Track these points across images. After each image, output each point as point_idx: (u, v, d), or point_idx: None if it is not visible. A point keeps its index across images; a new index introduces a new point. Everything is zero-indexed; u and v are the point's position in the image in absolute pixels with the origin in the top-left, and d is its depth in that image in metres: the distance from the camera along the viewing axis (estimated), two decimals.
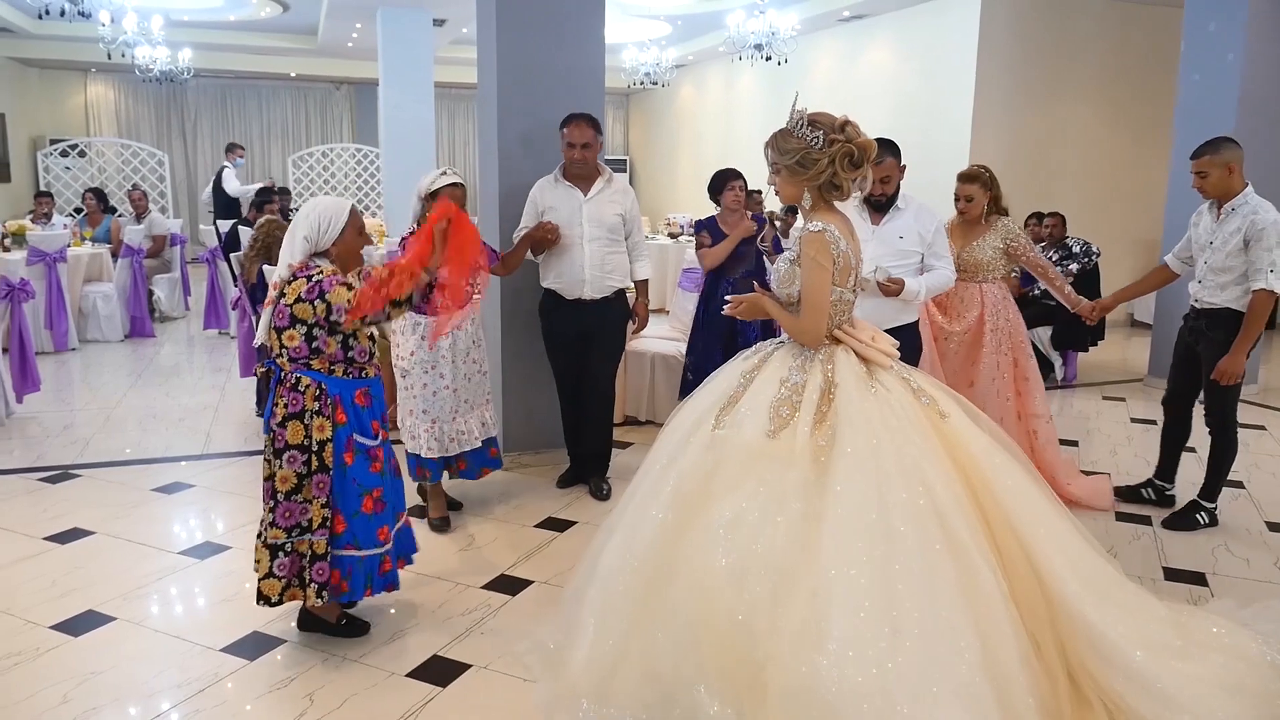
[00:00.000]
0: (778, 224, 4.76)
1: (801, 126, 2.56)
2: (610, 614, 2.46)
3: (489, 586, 3.42)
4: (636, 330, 4.45)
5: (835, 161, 2.54)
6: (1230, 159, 3.87)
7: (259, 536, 2.84)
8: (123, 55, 9.34)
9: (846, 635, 2.16)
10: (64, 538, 3.80)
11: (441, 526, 3.92)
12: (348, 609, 3.05)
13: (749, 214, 4.83)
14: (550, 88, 4.54)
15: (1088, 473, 4.67)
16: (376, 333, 3.63)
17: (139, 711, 2.61)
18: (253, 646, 2.94)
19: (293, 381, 2.76)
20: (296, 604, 2.95)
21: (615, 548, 2.55)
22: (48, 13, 6.46)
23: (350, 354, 2.81)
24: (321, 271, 2.77)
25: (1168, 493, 4.32)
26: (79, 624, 3.08)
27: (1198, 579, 3.58)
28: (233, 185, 7.46)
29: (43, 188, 12.41)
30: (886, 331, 3.50)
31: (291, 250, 2.80)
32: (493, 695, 2.71)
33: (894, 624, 2.17)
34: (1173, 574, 3.62)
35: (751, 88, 12.36)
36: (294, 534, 2.79)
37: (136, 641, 3.00)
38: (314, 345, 2.76)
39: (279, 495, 2.78)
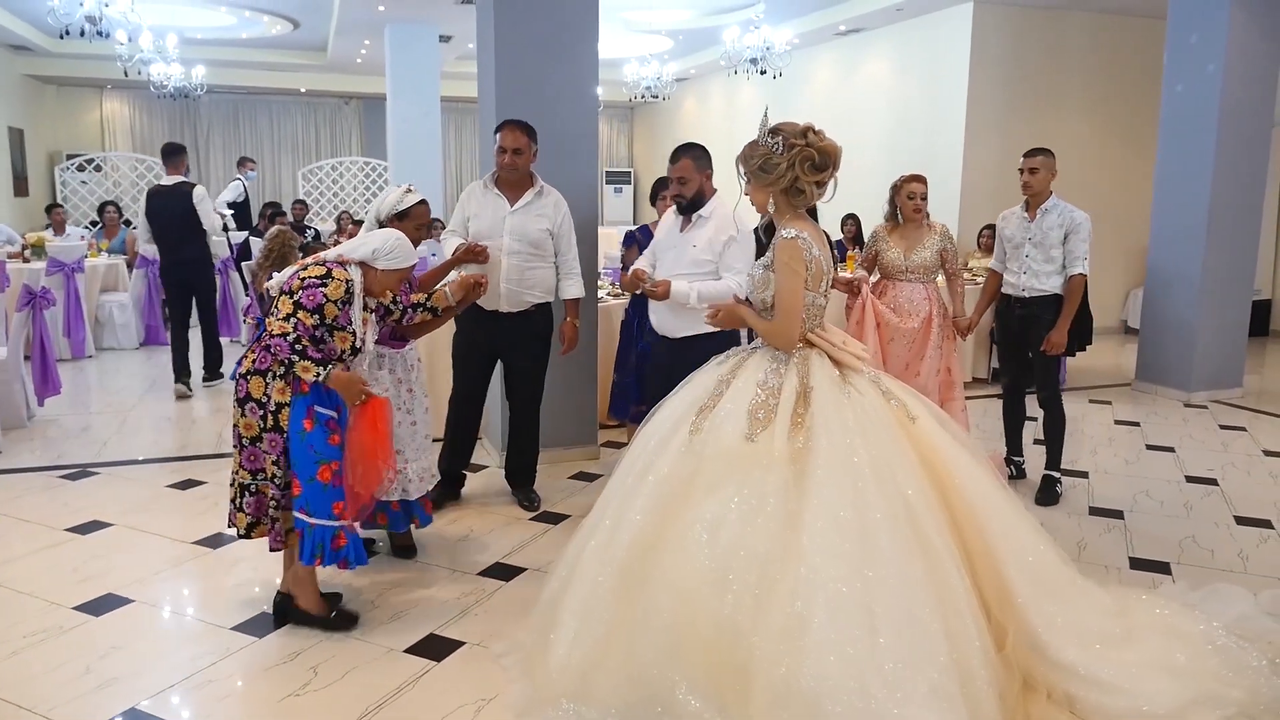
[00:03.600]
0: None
1: (765, 135, 2.71)
2: (590, 615, 2.54)
3: (485, 573, 3.61)
4: (565, 352, 4.29)
5: (795, 165, 2.66)
6: (1054, 165, 4.44)
7: (234, 473, 3.06)
8: (138, 72, 9.63)
9: (827, 634, 2.23)
10: (84, 529, 4.00)
11: (408, 552, 3.74)
12: (335, 602, 3.18)
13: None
14: (547, 102, 4.74)
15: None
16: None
17: (156, 681, 2.80)
18: (261, 625, 3.14)
19: (267, 342, 2.91)
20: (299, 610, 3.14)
21: (594, 550, 2.63)
22: (68, 33, 6.72)
23: (321, 346, 2.94)
24: (330, 282, 2.91)
25: (1021, 464, 4.84)
26: (99, 605, 3.29)
27: (1162, 568, 3.74)
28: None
29: (59, 201, 12.73)
30: (675, 341, 3.75)
31: (355, 246, 3.04)
32: (483, 670, 2.88)
33: (871, 623, 2.25)
34: (1138, 563, 3.79)
35: (752, 100, 12.58)
36: (258, 477, 3.01)
37: (153, 621, 3.20)
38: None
39: (244, 441, 2.99)
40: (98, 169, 13.65)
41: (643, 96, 11.50)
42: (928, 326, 4.53)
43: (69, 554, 3.75)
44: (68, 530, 3.99)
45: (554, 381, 4.58)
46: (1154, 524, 4.23)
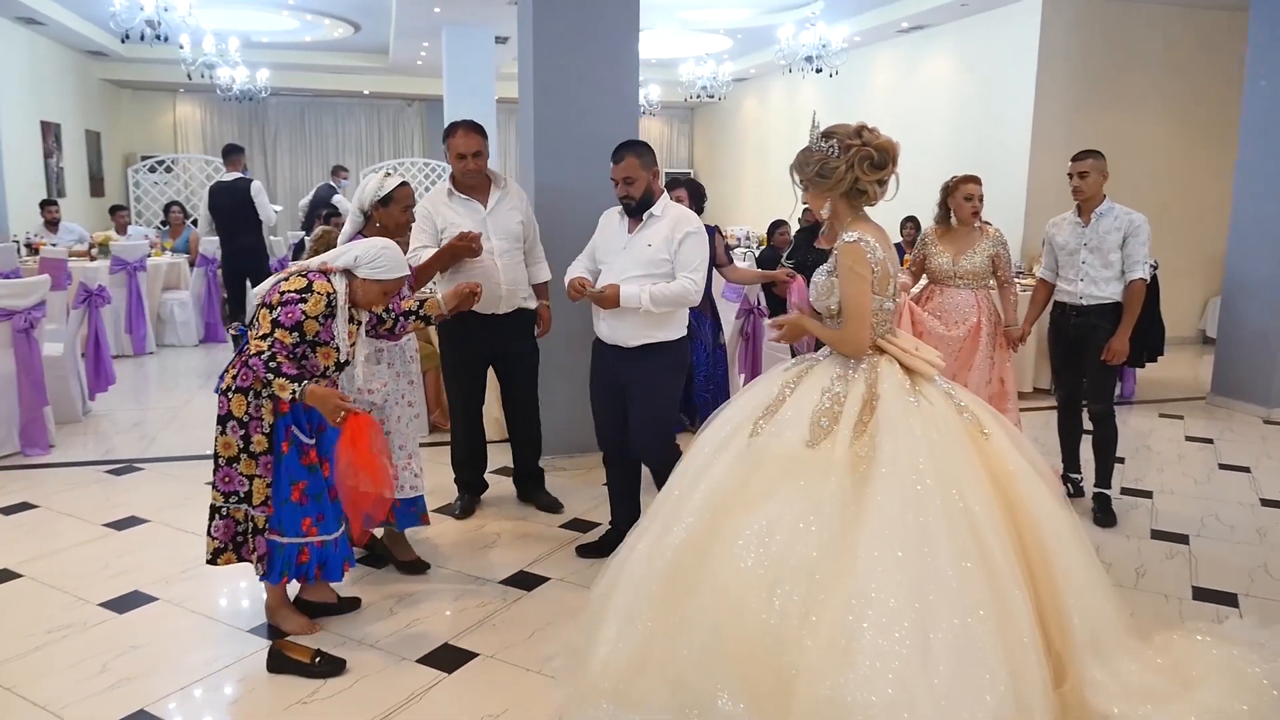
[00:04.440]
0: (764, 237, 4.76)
1: (818, 140, 2.61)
2: (635, 616, 2.47)
3: (507, 581, 3.53)
4: (541, 334, 4.20)
5: (854, 166, 2.56)
6: (1104, 166, 4.21)
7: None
8: (202, 76, 9.86)
9: (877, 650, 2.11)
10: (121, 525, 4.05)
11: (418, 567, 3.58)
12: (353, 605, 3.15)
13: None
14: (585, 102, 4.66)
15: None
16: (417, 338, 3.76)
17: (169, 682, 2.79)
18: (276, 629, 3.10)
19: (247, 358, 2.84)
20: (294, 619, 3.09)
21: (643, 551, 2.56)
22: (128, 37, 6.91)
23: (303, 363, 2.89)
24: (309, 297, 2.81)
25: (1079, 481, 4.56)
26: (124, 602, 3.31)
27: (1229, 600, 3.48)
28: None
29: (132, 202, 13.15)
30: (628, 351, 3.51)
31: (338, 254, 2.95)
32: (495, 683, 2.81)
33: (926, 642, 2.13)
34: (1202, 594, 3.52)
35: (812, 101, 12.34)
36: (230, 500, 2.94)
37: (174, 620, 3.20)
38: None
39: (220, 460, 2.92)
40: (168, 170, 14.07)
41: (699, 96, 11.38)
42: (975, 334, 4.34)
43: (103, 549, 3.79)
44: (105, 525, 4.05)
45: (587, 387, 4.51)
46: (1222, 550, 3.94)
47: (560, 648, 2.89)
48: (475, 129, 3.88)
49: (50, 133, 11.17)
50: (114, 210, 10.17)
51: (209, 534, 2.99)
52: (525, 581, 3.54)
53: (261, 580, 3.02)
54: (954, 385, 2.69)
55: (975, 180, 4.43)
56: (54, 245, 8.47)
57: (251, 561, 2.99)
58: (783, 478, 2.40)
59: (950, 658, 2.11)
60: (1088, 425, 4.45)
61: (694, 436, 2.78)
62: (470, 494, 4.29)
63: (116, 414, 6.01)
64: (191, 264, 9.05)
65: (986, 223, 4.54)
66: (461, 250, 3.75)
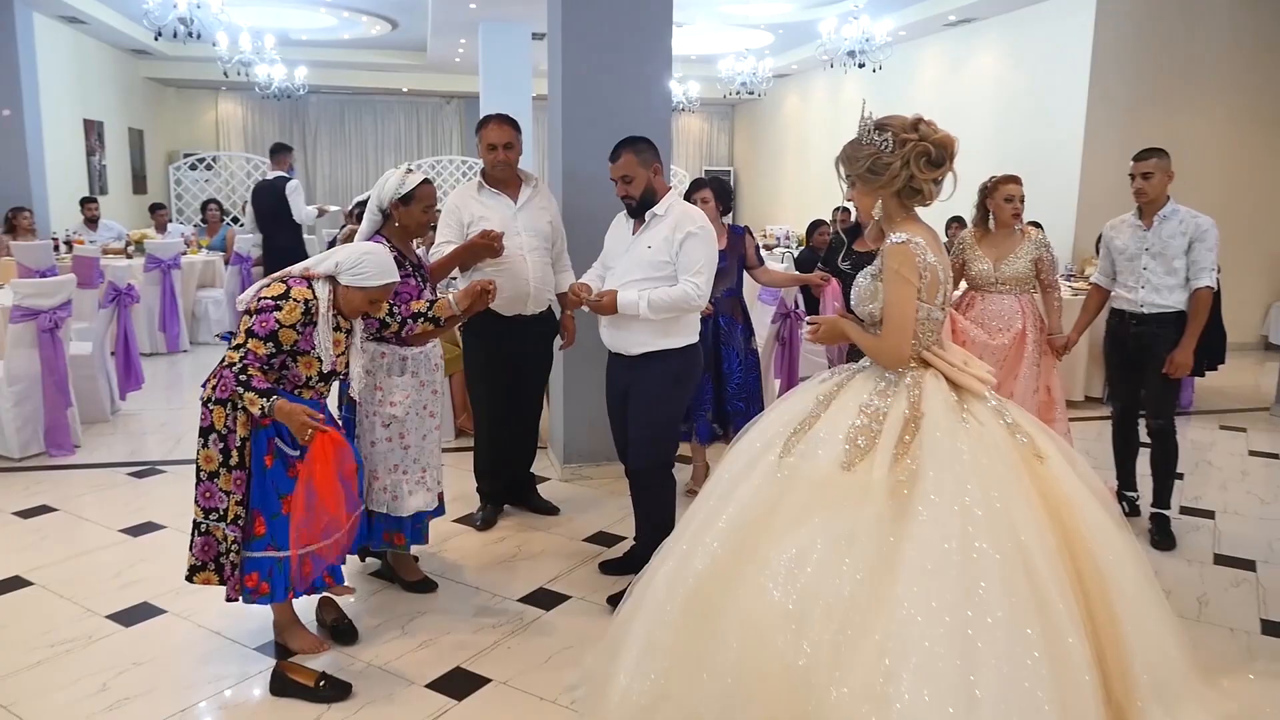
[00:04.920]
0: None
1: (870, 132, 2.40)
2: (654, 646, 2.31)
3: (526, 599, 3.38)
4: (565, 346, 4.03)
5: (910, 162, 2.35)
6: (1169, 166, 3.94)
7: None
8: (238, 74, 9.87)
9: (916, 701, 1.92)
10: (137, 531, 3.98)
11: (425, 586, 3.42)
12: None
13: (726, 225, 4.38)
14: (615, 97, 4.50)
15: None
16: (442, 341, 3.60)
17: (167, 704, 2.67)
18: (284, 647, 2.98)
19: (223, 365, 2.71)
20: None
21: (665, 576, 2.39)
22: (160, 34, 6.90)
23: (284, 372, 2.75)
24: (284, 305, 2.67)
25: (1135, 499, 4.31)
26: (132, 615, 3.21)
27: None
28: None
29: (173, 199, 13.27)
30: (632, 359, 3.28)
31: (320, 259, 2.81)
32: (507, 712, 2.66)
33: (970, 692, 1.92)
34: (1272, 627, 3.26)
35: (855, 98, 12.04)
36: (210, 517, 2.77)
37: (180, 635, 3.10)
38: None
39: (201, 474, 2.76)
40: (208, 167, 14.19)
41: (738, 93, 11.16)
42: (1021, 342, 4.11)
43: (116, 557, 3.71)
44: (121, 531, 3.97)
45: None
46: None
47: (581, 676, 2.73)
48: (507, 121, 3.80)
49: (93, 131, 11.29)
50: (154, 208, 10.25)
51: (189, 549, 2.83)
52: (544, 600, 3.38)
53: (229, 601, 2.84)
54: (1005, 402, 2.47)
55: (1016, 180, 4.19)
56: (92, 243, 8.53)
57: (230, 580, 2.81)
58: (815, 503, 2.21)
59: (997, 709, 1.90)
60: (1143, 437, 4.19)
61: (727, 449, 2.60)
62: (493, 504, 4.15)
63: (145, 414, 5.98)
64: (226, 262, 9.05)
65: (1034, 223, 4.30)
66: (482, 249, 3.59)
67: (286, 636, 2.96)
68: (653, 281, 3.18)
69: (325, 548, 2.78)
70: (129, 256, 8.24)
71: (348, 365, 2.89)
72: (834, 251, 4.50)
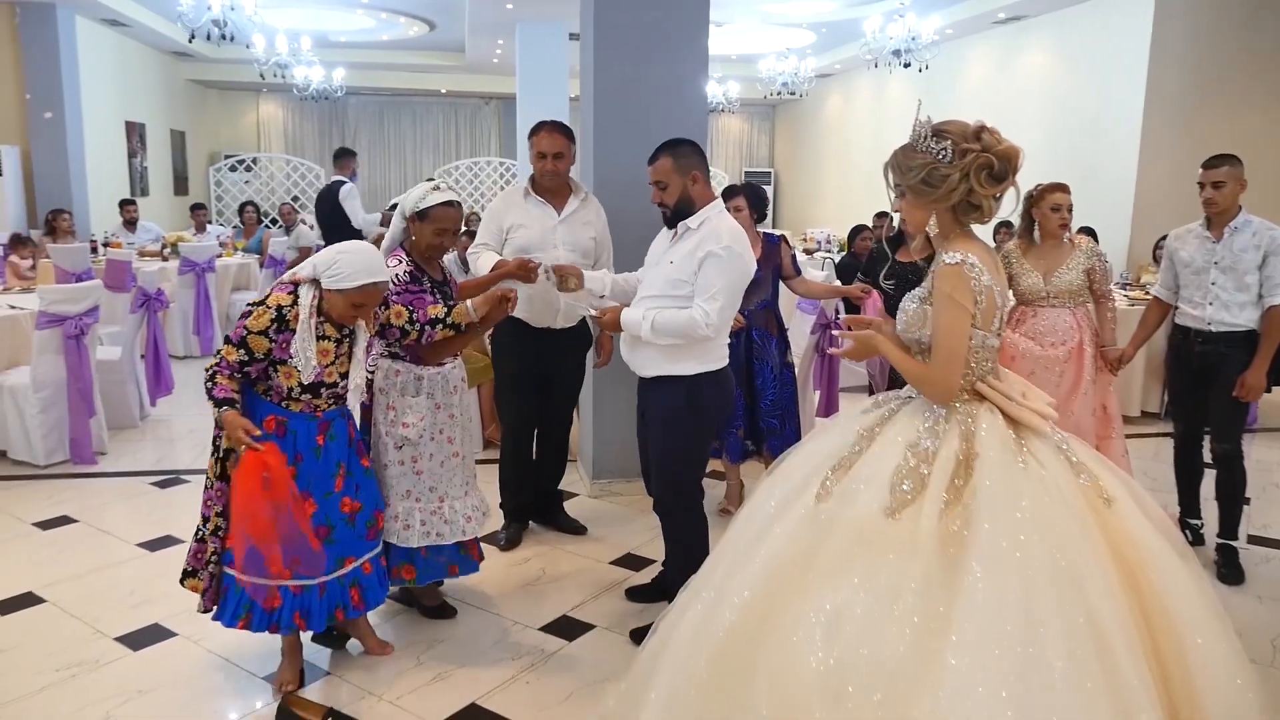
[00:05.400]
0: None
1: (925, 139, 2.16)
2: (677, 701, 2.07)
3: (547, 628, 3.22)
4: (600, 364, 3.92)
5: (970, 175, 2.11)
6: (1242, 174, 3.68)
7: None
8: (275, 75, 9.87)
9: None
10: (154, 545, 3.89)
11: (444, 612, 3.28)
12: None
13: (761, 234, 4.16)
14: (648, 99, 4.33)
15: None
16: (470, 347, 3.45)
17: None
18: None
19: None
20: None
21: (691, 623, 2.16)
22: (194, 36, 6.88)
23: (269, 383, 2.64)
24: (255, 310, 2.58)
25: (1199, 528, 4.07)
26: (142, 637, 3.11)
27: None
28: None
29: (213, 201, 13.37)
30: (644, 381, 3.05)
31: (305, 264, 2.67)
32: None
33: None
34: None
35: (900, 99, 11.75)
36: (206, 524, 2.70)
37: (189, 661, 2.99)
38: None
39: (207, 479, 2.71)
40: (248, 169, 14.29)
41: (779, 93, 10.93)
42: (1079, 355, 3.89)
43: (131, 574, 3.63)
44: (138, 545, 3.89)
45: None
46: None
47: (600, 718, 2.54)
48: (561, 129, 3.69)
49: (135, 132, 11.39)
50: (194, 209, 10.29)
51: (187, 552, 2.79)
52: (567, 629, 3.22)
53: (203, 613, 2.77)
54: (1067, 438, 2.22)
55: (1063, 189, 3.95)
56: (130, 245, 8.56)
57: (208, 592, 2.72)
58: (856, 554, 1.97)
59: None
60: (1207, 459, 3.92)
61: (764, 474, 2.40)
62: (517, 522, 4.01)
63: (174, 420, 5.93)
64: (261, 265, 9.05)
65: (1085, 229, 4.05)
66: (516, 277, 3.38)
67: (280, 666, 2.85)
68: (669, 300, 2.93)
69: (297, 586, 2.66)
70: (165, 259, 8.25)
71: (331, 377, 2.71)
72: (875, 263, 4.27)
